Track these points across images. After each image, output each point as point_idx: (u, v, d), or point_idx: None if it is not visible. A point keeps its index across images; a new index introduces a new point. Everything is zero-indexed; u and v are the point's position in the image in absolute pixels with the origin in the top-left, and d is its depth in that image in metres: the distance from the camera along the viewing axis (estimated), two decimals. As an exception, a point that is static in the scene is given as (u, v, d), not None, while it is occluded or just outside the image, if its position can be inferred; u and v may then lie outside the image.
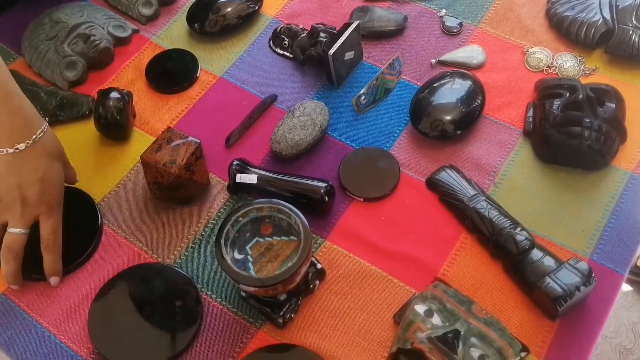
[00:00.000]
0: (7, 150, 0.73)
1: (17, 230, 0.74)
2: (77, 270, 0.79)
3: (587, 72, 0.91)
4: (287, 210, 0.71)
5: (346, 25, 0.89)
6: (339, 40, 0.87)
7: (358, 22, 0.90)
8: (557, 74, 0.91)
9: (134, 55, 0.97)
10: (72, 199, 0.81)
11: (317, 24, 0.91)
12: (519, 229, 0.75)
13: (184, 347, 0.72)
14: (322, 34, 0.90)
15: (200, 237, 0.80)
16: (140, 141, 0.88)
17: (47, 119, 0.87)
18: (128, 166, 0.86)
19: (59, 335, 0.74)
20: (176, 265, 0.78)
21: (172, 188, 0.78)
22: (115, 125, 0.85)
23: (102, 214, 0.82)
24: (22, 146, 0.73)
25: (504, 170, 0.83)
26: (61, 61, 0.90)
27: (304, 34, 0.93)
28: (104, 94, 0.85)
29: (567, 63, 0.91)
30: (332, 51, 0.86)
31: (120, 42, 0.96)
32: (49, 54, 0.91)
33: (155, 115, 0.91)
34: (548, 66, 0.92)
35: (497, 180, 0.82)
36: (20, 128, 0.74)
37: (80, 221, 0.81)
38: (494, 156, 0.84)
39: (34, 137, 0.74)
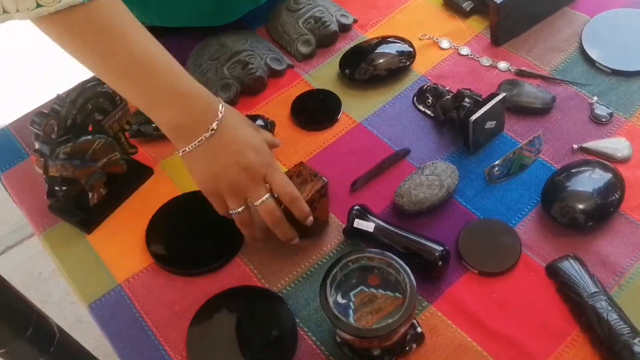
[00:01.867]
0: (204, 136, 0.72)
1: (262, 199, 0.75)
2: (196, 277, 0.83)
3: None
4: (397, 266, 0.71)
5: (492, 95, 0.89)
6: (482, 109, 0.87)
7: (505, 94, 0.89)
8: None
9: (285, 89, 1.02)
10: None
11: (464, 88, 0.92)
12: (638, 339, 0.70)
13: (271, 378, 0.73)
14: (467, 99, 0.90)
15: (309, 273, 0.82)
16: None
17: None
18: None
19: (159, 336, 0.78)
20: (281, 295, 0.80)
21: (292, 219, 0.81)
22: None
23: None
24: (214, 125, 0.72)
25: (633, 274, 0.78)
26: (218, 81, 0.97)
27: (449, 96, 0.93)
28: (251, 119, 0.90)
29: None
30: (473, 117, 0.86)
31: (275, 74, 1.02)
32: (209, 73, 0.98)
33: (292, 148, 0.95)
34: (703, 173, 0.85)
35: (623, 282, 0.77)
36: (205, 109, 0.73)
37: (227, 225, 0.82)
38: (624, 256, 0.79)
39: (219, 113, 0.73)
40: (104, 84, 0.82)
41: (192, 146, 0.73)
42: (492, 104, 0.88)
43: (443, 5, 1.11)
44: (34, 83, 2.24)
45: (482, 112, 0.87)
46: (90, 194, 0.87)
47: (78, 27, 0.67)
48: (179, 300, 0.81)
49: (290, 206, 0.77)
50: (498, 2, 0.98)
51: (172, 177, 0.92)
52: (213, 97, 0.75)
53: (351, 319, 0.70)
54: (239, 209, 0.77)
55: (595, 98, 0.96)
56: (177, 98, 0.72)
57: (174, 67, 0.73)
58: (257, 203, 0.76)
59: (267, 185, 0.77)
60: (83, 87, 0.80)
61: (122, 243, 0.87)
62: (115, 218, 0.89)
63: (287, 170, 0.82)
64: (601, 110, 0.94)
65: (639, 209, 0.83)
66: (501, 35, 1.02)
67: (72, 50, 0.69)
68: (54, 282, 1.73)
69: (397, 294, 0.72)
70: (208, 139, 0.73)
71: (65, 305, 1.67)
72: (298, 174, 0.82)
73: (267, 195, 0.76)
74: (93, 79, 0.81)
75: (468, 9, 1.07)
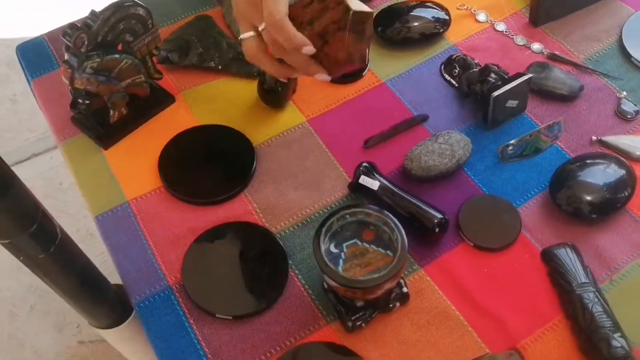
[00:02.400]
0: None
1: (262, 25, 0.69)
2: (201, 206, 0.85)
3: None
4: (393, 225, 0.72)
5: (519, 75, 0.88)
6: (506, 86, 0.86)
7: (531, 75, 0.88)
8: None
9: (314, 37, 1.02)
10: (231, 138, 0.89)
11: (492, 64, 0.91)
12: (618, 334, 0.71)
13: (255, 311, 0.76)
14: (492, 75, 0.89)
15: (309, 220, 0.84)
16: (290, 113, 0.93)
17: (219, 67, 0.96)
18: (273, 131, 0.92)
19: (157, 256, 0.81)
20: (278, 236, 0.82)
21: (320, 53, 0.71)
22: (274, 93, 0.90)
23: (256, 160, 0.87)
24: None
25: (627, 271, 0.78)
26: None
27: (476, 69, 0.93)
28: (276, 62, 0.90)
29: None
30: (495, 93, 0.86)
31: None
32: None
33: (313, 97, 0.95)
34: None
35: (615, 277, 0.77)
36: None
37: (239, 158, 0.87)
38: (621, 253, 0.80)
39: None
40: (139, 6, 0.83)
41: None
42: (517, 83, 0.87)
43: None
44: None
45: (505, 89, 0.86)
46: (111, 112, 0.89)
47: None
48: (181, 225, 0.84)
49: (273, 34, 0.68)
50: None
51: (191, 108, 0.94)
52: None
53: (340, 268, 0.72)
54: (245, 36, 0.72)
55: (625, 93, 0.94)
56: None
57: None
58: (261, 28, 0.70)
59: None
60: (118, 6, 0.82)
61: (135, 163, 0.89)
62: (132, 138, 0.92)
63: None
64: (628, 107, 0.93)
65: (646, 210, 0.83)
66: (541, 15, 1.01)
67: None
68: (72, 193, 1.78)
69: (388, 252, 0.73)
70: None
71: (79, 218, 1.72)
72: None
73: (263, 26, 0.69)
74: (128, 0, 0.82)
75: None
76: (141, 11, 0.84)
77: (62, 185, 1.81)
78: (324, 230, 0.73)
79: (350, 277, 0.70)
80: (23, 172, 1.85)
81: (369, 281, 0.69)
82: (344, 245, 0.75)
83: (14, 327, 1.59)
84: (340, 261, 0.73)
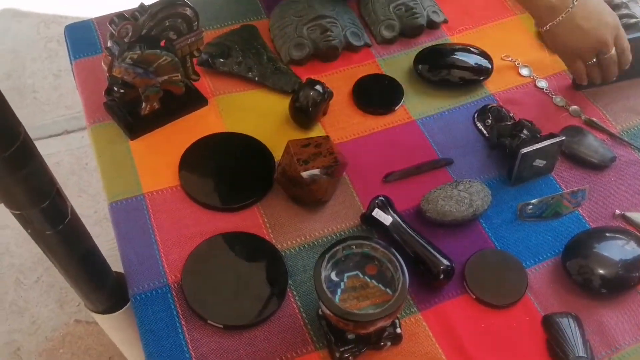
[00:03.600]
0: (569, 9, 0.87)
1: (611, 53, 0.91)
2: (214, 211, 0.86)
3: None
4: (397, 264, 0.71)
5: (551, 135, 0.87)
6: (536, 145, 0.85)
7: (564, 138, 0.87)
8: None
9: (355, 65, 1.03)
10: (255, 149, 0.91)
11: (527, 120, 0.90)
12: (607, 417, 0.69)
13: (247, 324, 0.76)
14: (525, 131, 0.88)
15: (316, 243, 0.84)
16: (317, 135, 0.93)
17: (256, 78, 0.97)
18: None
19: (162, 252, 0.82)
20: (283, 254, 0.82)
21: (291, 181, 0.83)
22: (305, 113, 0.91)
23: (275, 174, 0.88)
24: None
25: (628, 353, 0.76)
26: (295, 38, 0.99)
27: (509, 122, 0.92)
28: (311, 83, 0.91)
29: None
30: (524, 150, 0.85)
31: (350, 48, 1.02)
32: (288, 28, 1.00)
33: (343, 123, 0.96)
34: None
35: (615, 357, 0.75)
36: None
37: (258, 170, 0.89)
38: (625, 333, 0.77)
39: None
40: (188, 7, 0.85)
41: (558, 20, 0.89)
42: (548, 143, 0.86)
43: (536, 34, 1.08)
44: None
45: (535, 148, 0.85)
46: (143, 104, 0.91)
47: None
48: (190, 226, 0.84)
49: (621, 57, 0.92)
50: None
51: (222, 114, 0.95)
52: None
53: (337, 298, 0.72)
54: (592, 61, 0.92)
55: (657, 172, 0.93)
56: None
57: None
58: (607, 55, 0.91)
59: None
60: (167, 3, 0.83)
61: (158, 158, 0.91)
62: (159, 133, 0.93)
63: (311, 137, 0.85)
64: (658, 186, 0.91)
65: (658, 294, 0.81)
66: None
67: None
68: (96, 175, 1.79)
69: (388, 290, 0.73)
70: (570, 11, 0.88)
71: (99, 200, 1.75)
72: (318, 144, 0.84)
73: (613, 50, 0.91)
74: (178, 0, 0.84)
75: None
76: (189, 12, 0.85)
77: (88, 165, 1.84)
78: (327, 256, 0.72)
79: (345, 309, 0.69)
80: (54, 146, 1.90)
81: (363, 316, 0.69)
82: (346, 275, 0.74)
83: (18, 294, 1.62)
84: (339, 290, 0.73)
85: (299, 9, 1.01)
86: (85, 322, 1.56)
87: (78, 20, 1.08)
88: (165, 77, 0.89)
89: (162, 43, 0.87)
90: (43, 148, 1.91)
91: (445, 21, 1.07)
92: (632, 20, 1.02)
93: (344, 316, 0.68)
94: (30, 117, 1.92)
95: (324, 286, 0.70)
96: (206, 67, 0.98)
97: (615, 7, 1.03)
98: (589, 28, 0.88)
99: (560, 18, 0.88)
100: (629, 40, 0.93)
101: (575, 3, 0.87)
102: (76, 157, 1.85)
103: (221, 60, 0.97)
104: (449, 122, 0.97)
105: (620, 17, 1.01)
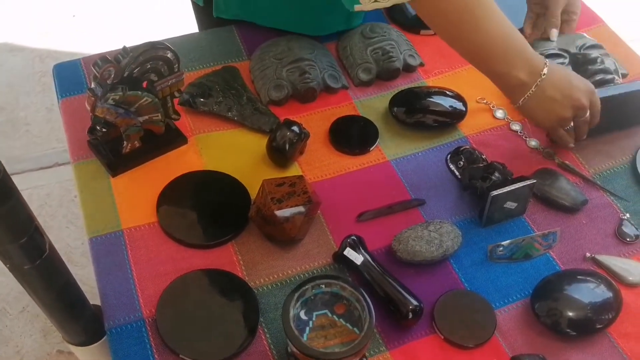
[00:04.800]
0: (538, 82, 0.88)
1: (586, 115, 0.94)
2: (189, 248, 0.87)
3: None
4: (365, 305, 0.73)
5: (522, 178, 0.89)
6: (507, 187, 0.87)
7: (535, 181, 0.89)
8: None
9: (332, 106, 1.05)
10: (232, 188, 0.93)
11: (499, 162, 0.92)
12: None
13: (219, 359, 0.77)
14: (496, 173, 0.90)
15: (288, 281, 0.85)
16: (293, 174, 0.95)
17: (236, 118, 1.00)
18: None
19: (138, 287, 0.83)
20: (256, 291, 0.83)
21: (265, 220, 0.85)
22: (281, 152, 0.93)
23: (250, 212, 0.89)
24: (545, 71, 0.88)
25: (594, 396, 0.77)
26: (274, 80, 1.02)
27: (481, 165, 0.94)
28: (288, 123, 0.93)
29: None
30: (494, 193, 0.87)
31: (328, 89, 1.05)
32: (268, 70, 1.03)
33: (319, 162, 0.98)
34: None
35: (580, 400, 0.76)
36: (538, 64, 0.88)
37: (235, 208, 0.91)
38: (592, 376, 0.78)
39: (544, 65, 0.88)
40: (169, 50, 0.88)
41: (528, 94, 0.89)
42: (518, 186, 0.88)
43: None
44: (125, 28, 2.37)
45: (505, 190, 0.87)
46: (125, 143, 0.93)
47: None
48: (166, 262, 0.86)
49: (593, 116, 0.95)
50: None
51: (201, 152, 0.97)
52: (536, 54, 0.90)
53: (305, 336, 0.73)
54: (570, 124, 0.95)
55: (628, 215, 0.94)
56: (526, 62, 0.88)
57: (520, 37, 0.88)
58: (582, 118, 0.94)
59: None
60: (148, 47, 0.86)
61: (138, 195, 0.92)
62: (140, 171, 0.95)
63: (285, 176, 0.87)
64: (629, 229, 0.92)
65: (627, 337, 0.82)
66: None
67: (442, 30, 0.87)
68: (83, 208, 1.83)
69: (355, 329, 0.74)
70: (539, 84, 0.88)
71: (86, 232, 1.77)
72: (292, 184, 0.86)
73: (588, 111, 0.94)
74: (160, 43, 0.87)
75: None
76: (170, 55, 0.88)
77: (77, 198, 1.85)
78: (296, 295, 0.74)
79: (311, 347, 0.70)
80: (45, 178, 1.92)
81: (328, 354, 0.70)
82: (314, 313, 0.75)
83: (3, 324, 1.63)
84: (307, 329, 0.74)
85: (278, 52, 1.04)
86: (67, 352, 1.57)
87: (73, 55, 1.11)
88: (146, 117, 0.92)
89: (144, 84, 0.90)
90: (34, 180, 1.96)
91: (422, 64, 1.10)
92: (609, 77, 1.03)
93: (309, 354, 0.70)
94: (23, 149, 1.95)
95: (292, 324, 0.72)
96: (187, 107, 1.00)
97: (590, 62, 1.05)
98: (562, 97, 0.90)
99: (530, 92, 0.89)
100: (608, 97, 0.96)
101: (543, 77, 0.88)
102: (66, 189, 1.87)
103: (202, 100, 1.00)
104: (422, 163, 0.99)
105: (596, 72, 1.03)
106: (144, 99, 0.89)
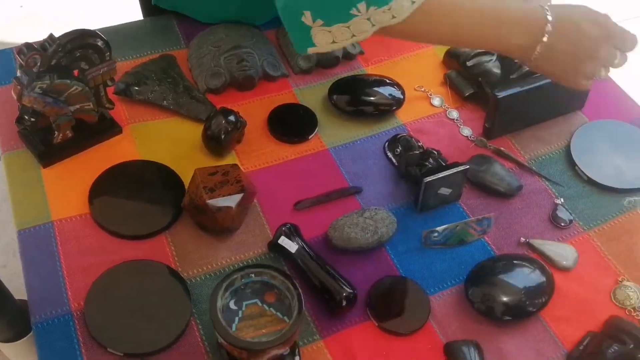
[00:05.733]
0: (544, 39, 0.81)
1: (617, 60, 0.85)
2: (121, 239, 0.85)
3: (670, 336, 0.82)
4: (295, 293, 0.72)
5: (456, 164, 0.89)
6: (440, 173, 0.88)
7: (468, 167, 0.90)
8: (638, 320, 0.83)
9: (271, 94, 1.04)
10: (166, 178, 0.91)
11: (435, 149, 0.93)
12: None
13: (146, 353, 0.76)
14: (431, 160, 0.91)
15: (222, 271, 0.84)
16: (230, 162, 0.94)
17: (171, 106, 0.98)
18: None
19: (67, 280, 0.82)
20: (188, 282, 0.82)
21: (198, 209, 0.84)
22: (216, 141, 0.92)
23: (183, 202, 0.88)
24: (549, 27, 0.81)
25: (525, 379, 0.78)
26: (211, 68, 1.00)
27: (418, 152, 0.94)
28: (223, 111, 0.92)
29: (654, 316, 0.84)
30: (428, 179, 0.87)
31: (267, 77, 1.04)
32: (206, 58, 1.01)
33: (256, 151, 0.97)
34: (634, 308, 0.84)
35: (512, 383, 0.77)
36: (539, 21, 0.81)
37: (169, 198, 0.89)
38: (524, 360, 0.79)
39: (548, 17, 0.81)
40: (99, 38, 0.86)
41: (536, 54, 0.82)
42: (451, 172, 0.88)
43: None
44: (74, 18, 2.32)
45: (438, 176, 0.88)
46: (56, 133, 0.91)
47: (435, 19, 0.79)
48: (97, 254, 0.84)
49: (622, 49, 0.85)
50: (499, 96, 0.96)
51: (136, 141, 0.96)
52: (538, 7, 0.82)
53: (234, 326, 0.72)
54: (601, 73, 0.86)
55: (562, 200, 0.95)
56: (522, 29, 0.81)
57: (508, 5, 0.82)
58: (616, 61, 0.85)
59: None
60: (77, 35, 0.84)
61: (69, 185, 0.90)
62: (72, 161, 0.93)
63: (219, 165, 0.86)
64: (563, 214, 0.94)
65: (558, 320, 0.83)
66: (495, 129, 1.00)
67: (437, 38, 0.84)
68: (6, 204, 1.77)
69: (285, 318, 0.73)
70: (545, 42, 0.81)
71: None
72: (225, 172, 0.85)
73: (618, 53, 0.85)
74: (89, 31, 0.85)
75: (467, 94, 1.05)
76: (100, 43, 0.86)
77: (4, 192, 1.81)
78: (225, 284, 0.73)
79: (237, 337, 0.69)
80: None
81: (255, 344, 0.69)
82: (244, 303, 0.75)
83: None
84: (237, 319, 0.73)
85: (217, 40, 1.03)
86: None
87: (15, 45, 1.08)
88: (77, 106, 0.90)
89: (76, 73, 0.88)
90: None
91: (362, 53, 1.10)
92: None
93: (236, 344, 0.69)
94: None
95: (219, 314, 0.71)
96: (122, 96, 0.98)
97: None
98: (575, 50, 0.82)
99: (537, 53, 0.82)
100: (542, 85, 0.95)
101: (547, 34, 0.80)
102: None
103: (137, 88, 0.98)
104: (360, 151, 0.99)
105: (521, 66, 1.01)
106: (74, 87, 0.87)
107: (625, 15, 1.66)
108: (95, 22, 1.12)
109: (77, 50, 0.85)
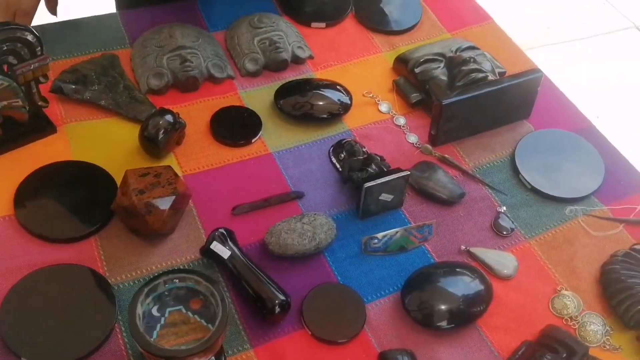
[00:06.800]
0: None
1: None
2: (47, 243, 0.82)
3: (607, 347, 0.81)
4: (219, 298, 0.70)
5: (397, 170, 0.88)
6: (381, 179, 0.86)
7: (409, 173, 0.88)
8: (574, 329, 0.82)
9: (216, 96, 1.02)
10: (99, 179, 0.88)
11: (378, 155, 0.91)
12: None
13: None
14: (373, 165, 0.89)
15: (151, 276, 0.80)
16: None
17: (110, 106, 0.96)
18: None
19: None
20: (115, 288, 0.79)
21: (127, 212, 0.81)
22: (153, 142, 0.89)
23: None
24: None
25: (458, 389, 0.76)
26: (154, 68, 0.98)
27: (361, 157, 0.92)
28: (162, 112, 0.90)
29: (591, 326, 0.82)
30: (368, 184, 0.85)
31: (212, 79, 1.02)
32: (149, 58, 0.99)
33: (196, 153, 0.95)
34: (571, 317, 0.83)
35: (444, 394, 0.75)
36: None
37: (100, 201, 0.86)
38: (457, 370, 0.77)
39: None
40: (28, 31, 0.83)
41: None
42: (392, 177, 0.87)
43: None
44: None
45: (379, 182, 0.86)
46: (-17, 130, 0.88)
47: None
48: (19, 257, 0.81)
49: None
50: (443, 103, 0.95)
51: (71, 142, 0.93)
52: None
53: (155, 333, 0.69)
54: None
55: (505, 208, 0.94)
56: None
57: None
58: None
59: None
60: (1, 27, 0.81)
61: (-5, 185, 0.87)
62: (1, 159, 0.90)
63: (151, 166, 0.84)
64: (505, 222, 0.92)
65: (496, 330, 0.81)
66: (440, 136, 0.99)
67: None
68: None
69: (210, 325, 0.71)
70: None
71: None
72: (157, 174, 0.82)
73: None
74: (17, 24, 0.82)
75: (414, 101, 1.04)
76: (30, 37, 0.83)
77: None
78: (146, 290, 0.70)
79: (155, 344, 0.66)
80: None
81: (174, 352, 0.66)
82: (168, 310, 0.72)
83: None
84: (158, 326, 0.70)
85: (161, 39, 1.01)
86: None
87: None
88: (5, 103, 0.86)
89: (5, 68, 0.85)
90: None
91: (311, 57, 1.08)
92: (481, 75, 1.01)
93: (153, 352, 0.66)
94: None
95: (137, 321, 0.68)
96: (59, 94, 0.95)
97: (463, 63, 1.02)
98: None
99: None
100: (484, 94, 0.94)
101: None
102: None
103: (73, 87, 0.95)
104: (304, 156, 0.97)
105: (470, 71, 1.01)
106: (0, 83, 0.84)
107: (596, 31, 1.66)
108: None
109: (4, 43, 0.82)
